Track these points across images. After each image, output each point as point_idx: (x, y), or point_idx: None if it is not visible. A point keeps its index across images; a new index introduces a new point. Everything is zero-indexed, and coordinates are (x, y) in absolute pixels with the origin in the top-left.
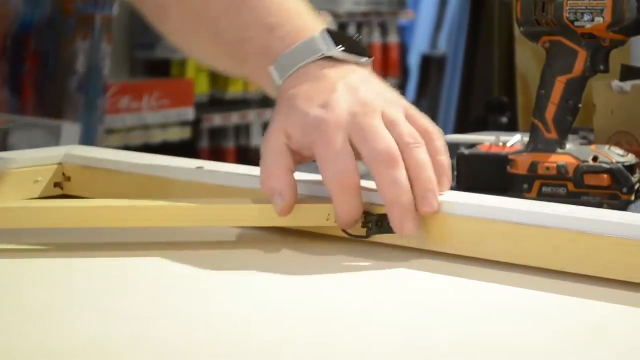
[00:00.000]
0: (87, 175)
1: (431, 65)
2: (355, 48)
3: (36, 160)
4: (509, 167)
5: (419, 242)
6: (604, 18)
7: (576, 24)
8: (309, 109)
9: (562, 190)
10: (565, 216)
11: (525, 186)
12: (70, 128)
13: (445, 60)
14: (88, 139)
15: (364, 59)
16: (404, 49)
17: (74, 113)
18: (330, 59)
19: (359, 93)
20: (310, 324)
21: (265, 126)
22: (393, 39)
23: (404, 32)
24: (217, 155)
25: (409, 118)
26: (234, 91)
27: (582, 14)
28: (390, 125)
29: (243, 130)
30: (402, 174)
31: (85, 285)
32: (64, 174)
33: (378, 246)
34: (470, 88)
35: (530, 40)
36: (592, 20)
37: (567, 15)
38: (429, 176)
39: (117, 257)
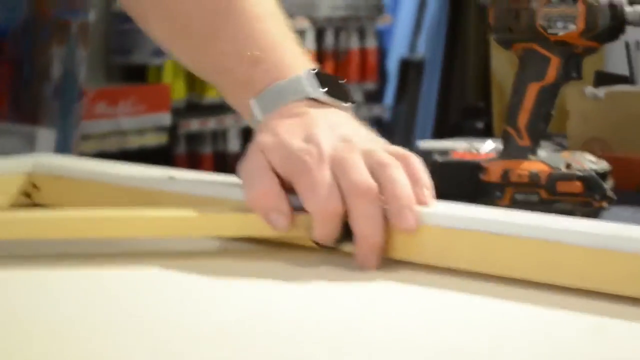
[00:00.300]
0: (58, 184)
1: (410, 69)
2: (339, 91)
3: (3, 169)
4: (481, 175)
5: (389, 252)
6: (577, 25)
7: (549, 31)
8: (291, 140)
9: (534, 198)
10: (534, 225)
11: (498, 193)
12: (45, 134)
13: (423, 64)
14: (63, 145)
15: (347, 103)
16: (382, 53)
17: (49, 119)
18: (314, 99)
19: (340, 130)
20: (273, 335)
21: (242, 132)
22: (371, 44)
23: (383, 35)
24: (194, 160)
25: (386, 150)
26: (211, 96)
27: (555, 21)
28: (367, 155)
29: (220, 135)
30: (377, 210)
31: (53, 299)
32: (33, 184)
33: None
34: (449, 93)
35: (503, 47)
36: (565, 28)
37: (540, 22)
38: (405, 192)
39: (86, 268)
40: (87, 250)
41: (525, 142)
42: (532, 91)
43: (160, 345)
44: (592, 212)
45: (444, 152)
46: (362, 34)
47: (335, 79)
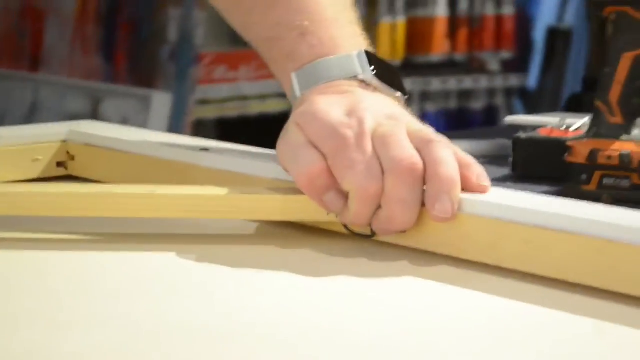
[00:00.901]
0: (92, 154)
1: (557, 39)
2: (391, 78)
3: (37, 137)
4: (566, 155)
5: (426, 244)
6: None
7: None
8: (330, 113)
9: (625, 183)
10: (598, 221)
11: (584, 176)
12: (161, 97)
13: (571, 34)
14: (179, 109)
15: (398, 93)
16: (523, 21)
17: (165, 82)
18: (362, 81)
19: (385, 110)
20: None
21: None
22: (508, 10)
23: (527, 3)
24: None
25: None
26: None
27: None
28: (413, 133)
29: None
30: (415, 194)
31: (82, 283)
32: (68, 152)
33: (395, 248)
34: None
35: (593, 11)
36: None
37: None
38: (449, 173)
39: (114, 250)
40: (106, 230)
41: (618, 119)
42: (626, 61)
43: (152, 337)
44: None
45: (532, 128)
46: (498, 0)
47: (389, 65)
